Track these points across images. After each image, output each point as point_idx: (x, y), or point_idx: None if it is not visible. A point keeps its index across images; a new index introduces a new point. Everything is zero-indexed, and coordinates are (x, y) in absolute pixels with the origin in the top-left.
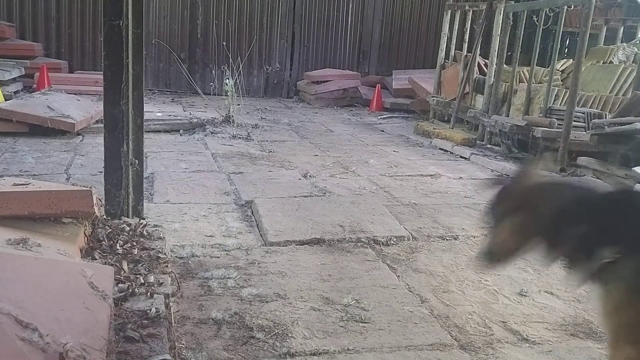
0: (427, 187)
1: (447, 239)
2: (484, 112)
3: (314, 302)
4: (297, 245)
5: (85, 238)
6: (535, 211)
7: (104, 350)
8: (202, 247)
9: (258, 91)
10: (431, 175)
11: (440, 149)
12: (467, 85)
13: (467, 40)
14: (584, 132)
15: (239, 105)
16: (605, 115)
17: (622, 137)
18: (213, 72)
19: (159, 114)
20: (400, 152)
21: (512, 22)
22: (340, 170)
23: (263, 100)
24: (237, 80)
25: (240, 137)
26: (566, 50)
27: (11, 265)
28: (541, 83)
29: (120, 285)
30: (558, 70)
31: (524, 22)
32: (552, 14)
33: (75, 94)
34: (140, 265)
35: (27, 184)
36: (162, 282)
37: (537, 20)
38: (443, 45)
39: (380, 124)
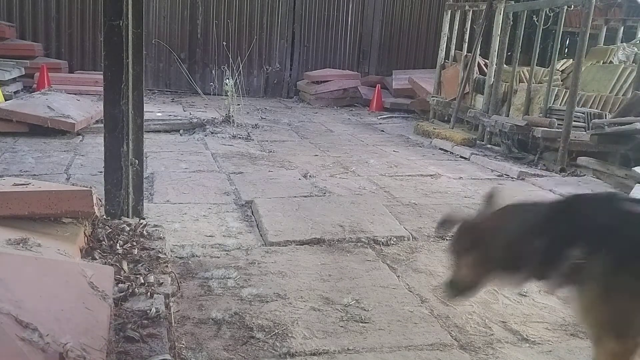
0: (427, 187)
1: (447, 239)
2: (484, 112)
3: (314, 302)
4: (297, 245)
5: (85, 238)
6: (490, 248)
7: (104, 350)
8: (202, 247)
9: (258, 91)
10: (431, 175)
11: (440, 149)
12: (467, 85)
13: (467, 40)
14: (584, 132)
15: (239, 105)
16: (605, 115)
17: (622, 137)
18: (213, 72)
19: (159, 114)
20: (400, 152)
21: (512, 22)
22: (340, 170)
23: (263, 100)
24: (237, 80)
25: (240, 137)
26: (566, 50)
27: (11, 265)
28: (541, 83)
29: (120, 285)
30: (558, 70)
31: (524, 22)
32: (552, 14)
33: (75, 94)
34: (140, 265)
35: (27, 184)
36: (162, 282)
37: (537, 20)
38: (443, 45)
39: (380, 124)
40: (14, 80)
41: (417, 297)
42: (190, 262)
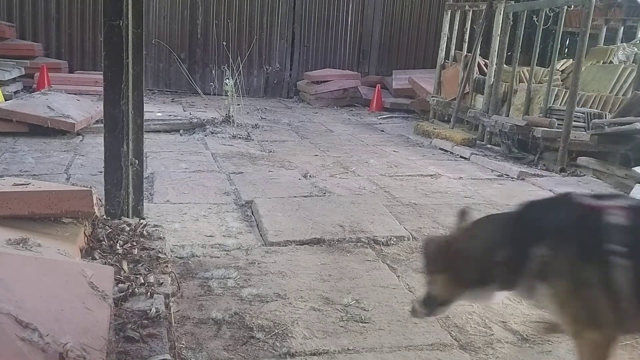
0: (427, 187)
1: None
2: (484, 112)
3: (314, 302)
4: (297, 245)
5: (85, 238)
6: (459, 267)
7: (104, 350)
8: (202, 247)
9: (258, 91)
10: (431, 175)
11: (440, 149)
12: (467, 85)
13: (467, 40)
14: (584, 132)
15: (239, 105)
16: (605, 115)
17: (622, 137)
18: (213, 72)
19: (159, 114)
20: (400, 152)
21: (512, 22)
22: (340, 170)
23: (263, 100)
24: (237, 80)
25: (240, 137)
26: (566, 50)
27: (11, 265)
28: (541, 83)
29: (120, 285)
30: (558, 70)
31: (524, 22)
32: (552, 14)
33: (75, 94)
34: (140, 265)
35: (27, 184)
36: (162, 282)
37: (537, 20)
38: (443, 45)
39: (380, 124)
40: (14, 80)
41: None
42: (190, 262)
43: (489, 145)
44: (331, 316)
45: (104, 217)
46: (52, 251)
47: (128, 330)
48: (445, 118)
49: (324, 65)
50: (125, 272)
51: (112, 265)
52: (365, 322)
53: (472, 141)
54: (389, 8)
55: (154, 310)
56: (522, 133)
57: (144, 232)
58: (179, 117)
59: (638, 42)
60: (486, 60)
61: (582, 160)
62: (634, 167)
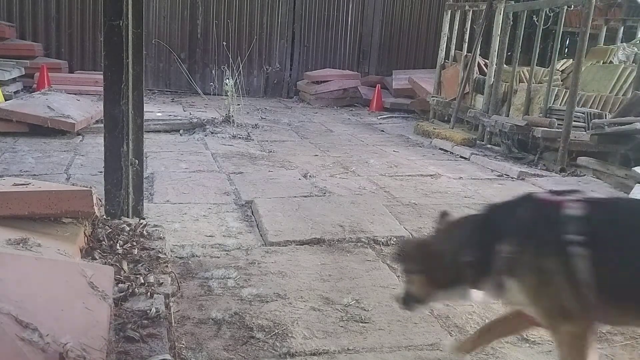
0: (427, 187)
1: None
2: (484, 112)
3: (314, 302)
4: (297, 245)
5: (85, 238)
6: (432, 267)
7: (104, 350)
8: (202, 247)
9: (258, 91)
10: (431, 175)
11: (440, 149)
12: (467, 85)
13: (467, 40)
14: (584, 132)
15: (239, 105)
16: (605, 115)
17: (622, 137)
18: (213, 72)
19: (159, 114)
20: (400, 152)
21: (512, 22)
22: (340, 170)
23: (263, 100)
24: (237, 80)
25: (240, 137)
26: (566, 50)
27: (11, 265)
28: (541, 83)
29: (120, 285)
30: (558, 70)
31: (524, 22)
32: (552, 14)
33: (75, 94)
34: (140, 265)
35: (27, 184)
36: (162, 282)
37: (537, 20)
38: (443, 45)
39: (380, 124)
40: (14, 80)
41: None
42: (190, 262)
43: (489, 145)
44: (331, 316)
45: (104, 217)
46: (52, 251)
47: (128, 330)
48: (445, 118)
49: (324, 65)
50: (125, 272)
51: (112, 265)
52: (365, 322)
53: (472, 141)
54: (389, 8)
55: (154, 310)
56: (522, 133)
57: (144, 232)
58: (179, 117)
59: (638, 42)
60: (486, 60)
61: (582, 160)
62: (634, 167)
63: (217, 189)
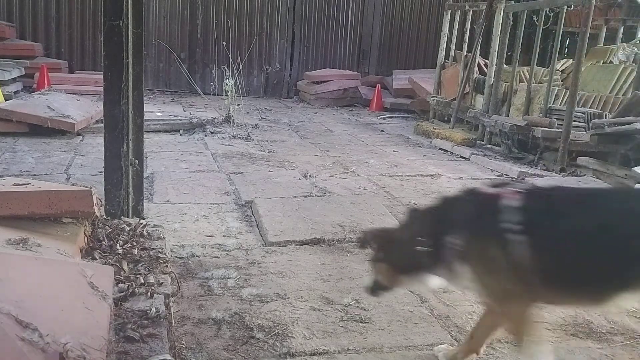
0: (427, 187)
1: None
2: (484, 112)
3: (314, 302)
4: (297, 245)
5: (85, 238)
6: (392, 255)
7: (104, 350)
8: (202, 247)
9: (258, 91)
10: (431, 175)
11: (440, 149)
12: (467, 85)
13: (467, 40)
14: (584, 132)
15: (239, 105)
16: (605, 115)
17: (622, 137)
18: (213, 72)
19: (159, 114)
20: (400, 152)
21: (512, 22)
22: (340, 170)
23: (263, 100)
24: (237, 80)
25: (240, 137)
26: (566, 50)
27: (11, 265)
28: (541, 83)
29: (120, 285)
30: (558, 70)
31: (524, 22)
32: (552, 14)
33: (75, 94)
34: (140, 265)
35: (27, 184)
36: (162, 282)
37: (537, 20)
38: (443, 45)
39: (380, 124)
40: (14, 80)
41: (417, 297)
42: (190, 262)
43: (489, 145)
44: (331, 316)
45: (104, 217)
46: (52, 251)
47: (128, 330)
48: (445, 118)
49: (324, 65)
50: (125, 272)
51: (112, 265)
52: (365, 322)
53: (472, 141)
54: (389, 8)
55: (154, 310)
56: (522, 133)
57: (144, 232)
58: (179, 117)
59: (638, 42)
60: (486, 60)
61: (582, 160)
62: (634, 167)
63: (217, 189)
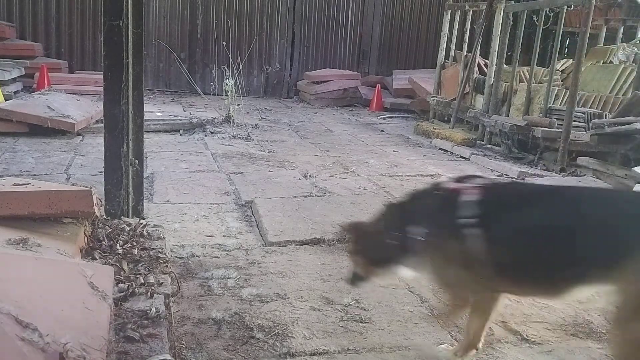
0: None
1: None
2: (484, 112)
3: (314, 302)
4: (297, 245)
5: (85, 238)
6: (365, 248)
7: (104, 350)
8: (202, 247)
9: (258, 91)
10: (431, 175)
11: (440, 149)
12: (467, 85)
13: (467, 40)
14: (584, 132)
15: (239, 105)
16: (605, 115)
17: (622, 137)
18: (213, 72)
19: (159, 114)
20: (400, 152)
21: (512, 22)
22: (340, 170)
23: (263, 100)
24: (237, 80)
25: (240, 137)
26: (566, 50)
27: (11, 265)
28: (541, 83)
29: (120, 285)
30: (558, 70)
31: (524, 22)
32: (552, 14)
33: (75, 94)
34: (140, 265)
35: (27, 184)
36: (162, 282)
37: (537, 20)
38: (443, 45)
39: (380, 124)
40: (14, 80)
41: (417, 297)
42: (190, 262)
43: (489, 145)
44: (331, 316)
45: (104, 217)
46: (52, 251)
47: (128, 330)
48: (445, 118)
49: (324, 65)
50: (125, 272)
51: (112, 265)
52: (365, 322)
53: (472, 141)
54: (389, 8)
55: (154, 310)
56: (522, 133)
57: (144, 232)
58: (179, 117)
59: (638, 42)
60: (486, 60)
61: (582, 160)
62: (634, 167)
63: (217, 189)
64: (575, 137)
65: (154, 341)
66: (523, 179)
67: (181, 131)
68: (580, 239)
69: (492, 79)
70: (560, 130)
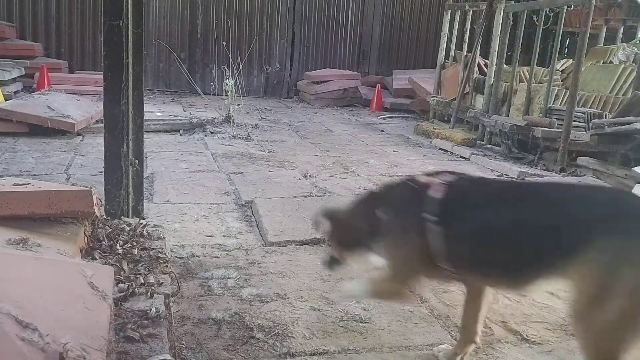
0: None
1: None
2: (484, 112)
3: (314, 302)
4: (297, 245)
5: (85, 238)
6: (339, 233)
7: (104, 350)
8: (202, 247)
9: (258, 91)
10: None
11: (440, 149)
12: (467, 85)
13: (467, 40)
14: (584, 132)
15: (239, 105)
16: (605, 115)
17: (622, 137)
18: (213, 72)
19: (159, 114)
20: (400, 152)
21: (512, 22)
22: (340, 170)
23: (263, 100)
24: (237, 80)
25: (240, 137)
26: (566, 50)
27: (11, 265)
28: (541, 83)
29: (120, 285)
30: (558, 70)
31: (524, 22)
32: (552, 14)
33: (75, 94)
34: (140, 265)
35: (27, 184)
36: (162, 282)
37: (537, 20)
38: (443, 45)
39: (380, 124)
40: (14, 80)
41: (417, 297)
42: (190, 262)
43: (489, 145)
44: (331, 316)
45: (104, 217)
46: (52, 251)
47: (128, 330)
48: (445, 118)
49: (324, 65)
50: (125, 272)
51: (112, 265)
52: (365, 322)
53: (472, 141)
54: (389, 8)
55: (154, 310)
56: (522, 133)
57: (144, 232)
58: (179, 117)
59: (638, 42)
60: (486, 60)
61: (582, 160)
62: (634, 167)
63: (217, 189)
64: (575, 137)
65: (154, 341)
66: (523, 179)
67: (181, 131)
68: (534, 233)
69: (492, 79)
70: (560, 130)
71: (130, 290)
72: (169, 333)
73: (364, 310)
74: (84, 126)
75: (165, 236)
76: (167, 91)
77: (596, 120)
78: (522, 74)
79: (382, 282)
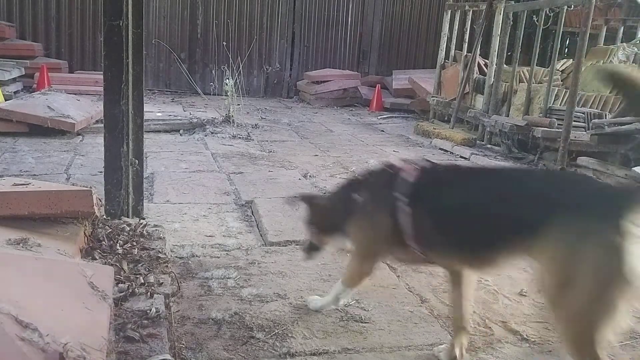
0: None
1: None
2: (484, 112)
3: None
4: (297, 245)
5: (85, 238)
6: (317, 220)
7: (104, 350)
8: (202, 247)
9: (258, 91)
10: None
11: (440, 149)
12: (467, 85)
13: (467, 40)
14: (584, 132)
15: (239, 105)
16: (605, 115)
17: (622, 137)
18: (213, 72)
19: (159, 114)
20: (401, 152)
21: (512, 22)
22: (340, 170)
23: (263, 100)
24: (237, 80)
25: (240, 137)
26: (566, 50)
27: (11, 265)
28: (541, 83)
29: (120, 285)
30: (558, 70)
31: (524, 22)
32: (552, 14)
33: (75, 94)
34: (140, 265)
35: (27, 184)
36: (162, 282)
37: (537, 20)
38: (443, 45)
39: (380, 124)
40: (14, 80)
41: (417, 297)
42: (190, 262)
43: (489, 145)
44: (331, 316)
45: (104, 217)
46: (52, 251)
47: (128, 330)
48: (445, 118)
49: (324, 65)
50: (125, 272)
51: (112, 265)
52: (365, 322)
53: (472, 141)
54: (389, 8)
55: (154, 310)
56: (522, 133)
57: (144, 232)
58: (179, 117)
59: (638, 42)
60: (486, 60)
61: (582, 160)
62: (634, 167)
63: (217, 189)
64: (575, 137)
65: (154, 341)
66: None
67: (181, 131)
68: (497, 213)
69: (492, 79)
70: (560, 130)
71: (130, 290)
72: (169, 333)
73: (364, 310)
74: (84, 126)
75: (165, 236)
76: (167, 91)
77: (596, 120)
78: (522, 74)
79: (350, 265)
